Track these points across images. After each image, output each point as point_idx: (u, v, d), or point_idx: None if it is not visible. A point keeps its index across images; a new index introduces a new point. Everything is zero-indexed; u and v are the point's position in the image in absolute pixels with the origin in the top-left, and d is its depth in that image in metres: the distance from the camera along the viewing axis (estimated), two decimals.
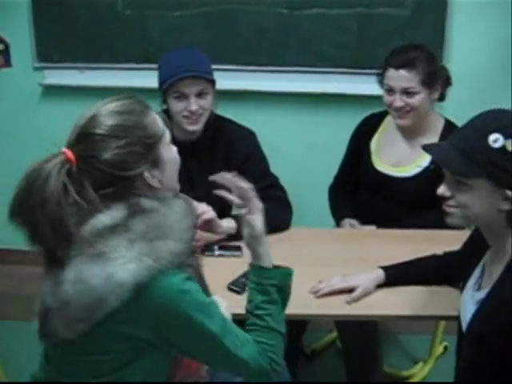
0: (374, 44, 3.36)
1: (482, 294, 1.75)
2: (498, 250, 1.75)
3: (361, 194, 2.94)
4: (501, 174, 1.61)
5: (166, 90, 2.57)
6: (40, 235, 1.50)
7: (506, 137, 1.60)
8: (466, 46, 3.46)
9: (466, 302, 1.84)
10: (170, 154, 1.68)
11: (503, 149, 1.60)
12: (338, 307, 2.15)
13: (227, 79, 3.42)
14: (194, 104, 2.56)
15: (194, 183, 2.67)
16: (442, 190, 1.74)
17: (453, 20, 3.38)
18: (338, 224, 2.93)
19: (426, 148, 1.77)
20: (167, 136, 1.67)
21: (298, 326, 2.89)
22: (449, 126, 2.71)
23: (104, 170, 1.54)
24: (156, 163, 1.61)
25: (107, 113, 1.58)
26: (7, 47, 3.58)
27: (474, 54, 3.47)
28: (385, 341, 3.19)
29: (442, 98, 2.74)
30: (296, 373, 3.01)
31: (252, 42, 3.46)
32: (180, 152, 2.60)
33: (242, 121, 2.82)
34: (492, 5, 3.35)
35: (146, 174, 1.59)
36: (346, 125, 3.02)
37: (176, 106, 2.58)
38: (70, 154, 1.54)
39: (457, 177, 1.68)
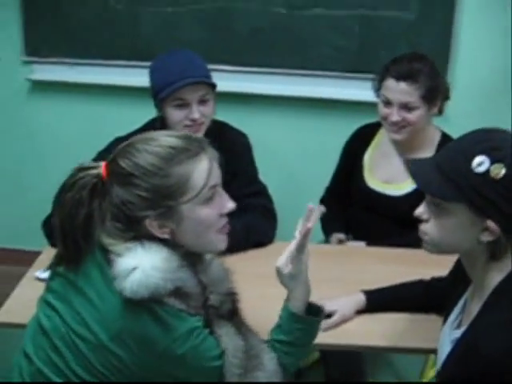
0: (375, 48, 3.20)
1: (458, 333, 1.59)
2: (478, 284, 1.58)
3: (352, 209, 2.79)
4: (482, 201, 1.44)
5: (162, 98, 2.39)
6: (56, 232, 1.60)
7: (492, 161, 1.43)
8: (473, 54, 3.29)
9: (444, 338, 1.68)
10: (195, 213, 1.57)
11: (487, 174, 1.43)
12: None
13: (220, 80, 3.29)
14: (196, 112, 2.39)
15: None
16: (419, 211, 1.57)
17: (460, 26, 3.21)
18: (327, 239, 2.77)
19: (408, 164, 1.60)
20: (203, 194, 1.56)
21: None
22: (446, 139, 2.53)
23: (114, 202, 1.55)
24: (168, 215, 1.54)
25: (146, 148, 1.54)
26: None
27: (482, 63, 3.30)
28: (373, 359, 3.04)
29: (439, 111, 2.58)
30: None
31: (247, 42, 3.31)
32: None
33: (235, 123, 2.70)
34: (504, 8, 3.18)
35: (149, 222, 1.54)
36: (344, 132, 2.86)
37: (176, 115, 2.41)
38: (104, 170, 1.56)
39: (435, 199, 1.52)
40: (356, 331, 2.02)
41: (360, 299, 2.08)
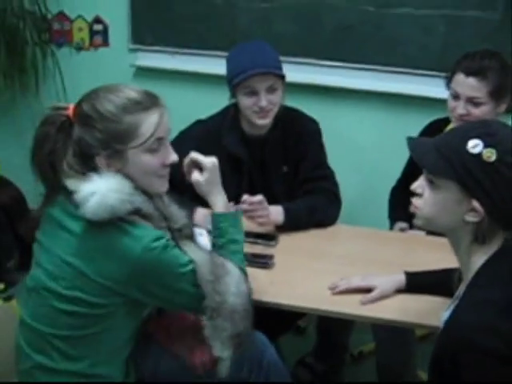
0: (460, 48, 3.21)
1: (446, 315, 1.67)
2: (463, 267, 1.67)
3: None
4: (471, 181, 1.55)
5: (235, 85, 2.58)
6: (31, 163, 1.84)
7: (486, 145, 1.53)
8: None
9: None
10: (139, 159, 1.80)
11: (479, 156, 1.53)
12: (350, 306, 2.12)
13: (308, 73, 3.47)
14: (263, 100, 2.55)
15: (271, 176, 2.73)
16: (414, 185, 1.69)
17: None
18: (391, 227, 2.88)
19: (409, 140, 1.71)
20: (148, 143, 1.79)
21: (341, 323, 2.87)
22: None
23: (74, 139, 1.80)
24: (115, 156, 1.78)
25: (106, 96, 1.78)
26: (106, 28, 3.79)
27: None
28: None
29: (509, 110, 2.63)
30: (341, 371, 3.00)
31: (336, 38, 3.44)
32: (251, 146, 2.67)
33: (319, 115, 2.83)
34: None
35: (99, 159, 1.78)
36: None
37: (246, 101, 2.59)
38: (71, 112, 1.81)
39: (428, 175, 1.63)
40: (392, 307, 2.11)
41: (401, 279, 2.17)
